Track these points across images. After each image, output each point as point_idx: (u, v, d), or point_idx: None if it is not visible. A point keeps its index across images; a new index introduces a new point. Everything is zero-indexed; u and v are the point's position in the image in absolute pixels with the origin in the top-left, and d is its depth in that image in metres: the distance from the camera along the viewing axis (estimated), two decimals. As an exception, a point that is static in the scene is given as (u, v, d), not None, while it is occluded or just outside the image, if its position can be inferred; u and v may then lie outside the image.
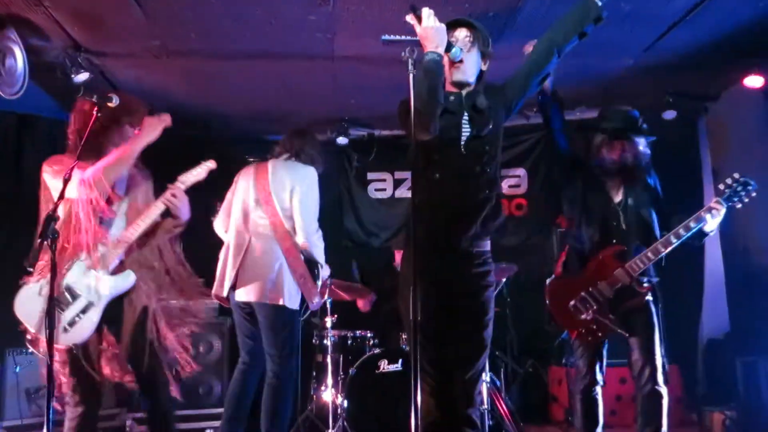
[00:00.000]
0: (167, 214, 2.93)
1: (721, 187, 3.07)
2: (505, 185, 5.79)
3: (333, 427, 4.10)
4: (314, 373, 4.57)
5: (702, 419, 4.47)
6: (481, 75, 2.57)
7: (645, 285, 3.11)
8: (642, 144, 3.20)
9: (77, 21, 3.61)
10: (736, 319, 4.84)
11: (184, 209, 2.94)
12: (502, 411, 4.32)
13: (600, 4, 2.44)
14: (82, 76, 3.94)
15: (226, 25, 3.68)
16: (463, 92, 2.52)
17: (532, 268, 5.25)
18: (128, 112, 2.90)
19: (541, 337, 5.24)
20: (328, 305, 4.44)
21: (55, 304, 2.40)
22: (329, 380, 4.23)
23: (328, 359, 4.28)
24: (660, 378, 3.07)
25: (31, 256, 2.38)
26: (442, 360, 2.40)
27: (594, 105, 5.20)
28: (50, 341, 2.31)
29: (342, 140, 5.52)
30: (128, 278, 2.81)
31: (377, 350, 4.23)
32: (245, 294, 3.39)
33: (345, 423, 4.01)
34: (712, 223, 3.02)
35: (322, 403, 4.31)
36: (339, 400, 4.12)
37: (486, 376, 4.38)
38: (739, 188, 3.03)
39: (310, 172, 3.58)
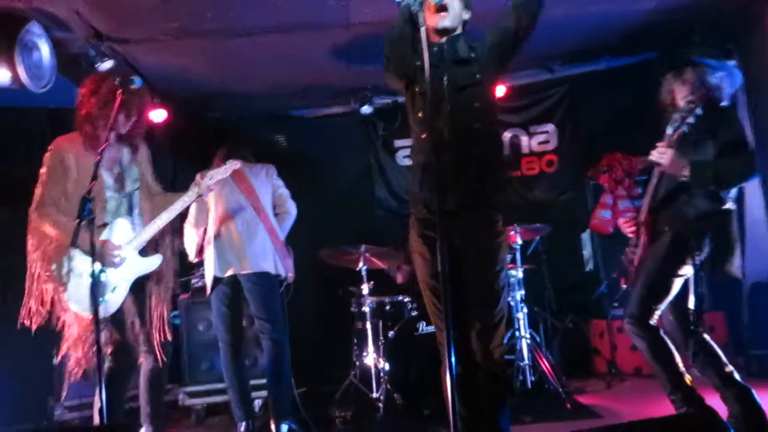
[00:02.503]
0: None
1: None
2: (534, 142, 5.73)
3: (377, 391, 4.19)
4: (355, 340, 4.65)
5: (749, 363, 4.41)
6: (464, 24, 2.52)
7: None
8: (711, 73, 2.97)
9: (97, 10, 3.68)
10: (779, 262, 4.73)
11: None
12: (543, 367, 4.34)
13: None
14: (107, 65, 4.02)
15: (240, 1, 3.70)
16: (444, 40, 2.46)
17: (565, 224, 5.21)
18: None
19: (580, 291, 5.23)
20: (363, 273, 4.50)
21: (98, 281, 2.51)
22: (370, 346, 4.31)
23: (368, 325, 4.35)
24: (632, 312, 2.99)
25: (72, 237, 2.47)
26: (455, 315, 2.38)
27: (619, 54, 5.08)
28: (96, 317, 2.41)
29: (366, 109, 5.51)
30: (156, 261, 3.06)
31: (415, 313, 4.27)
32: (251, 266, 3.70)
33: (388, 386, 4.09)
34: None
35: (365, 368, 4.40)
36: (381, 364, 4.20)
37: (526, 333, 4.40)
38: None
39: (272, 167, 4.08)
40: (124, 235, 2.97)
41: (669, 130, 2.95)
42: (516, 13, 2.41)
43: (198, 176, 3.17)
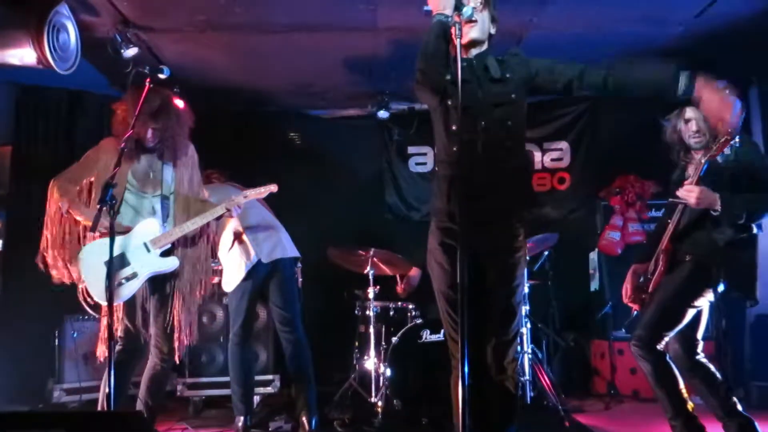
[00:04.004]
0: None
1: None
2: (547, 159, 5.74)
3: (376, 396, 4.19)
4: (357, 344, 4.65)
5: (750, 394, 4.41)
6: (490, 38, 2.52)
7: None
8: None
9: (127, -4, 3.69)
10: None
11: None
12: (543, 383, 4.34)
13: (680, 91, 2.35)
14: (131, 52, 4.03)
15: (270, -2, 3.73)
16: (473, 54, 2.46)
17: (574, 242, 5.21)
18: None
19: (584, 310, 5.23)
20: (370, 277, 4.50)
21: (113, 265, 2.53)
22: (372, 350, 4.31)
23: (371, 330, 4.35)
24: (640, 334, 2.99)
25: (93, 222, 2.50)
26: (471, 329, 2.37)
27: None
28: (110, 300, 2.43)
29: (383, 114, 5.52)
30: (172, 263, 3.15)
31: (419, 321, 4.28)
32: (289, 252, 3.91)
33: (387, 391, 4.09)
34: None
35: (365, 372, 4.40)
36: (382, 369, 4.19)
37: (528, 348, 4.40)
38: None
39: None
40: (150, 234, 3.08)
41: (690, 170, 2.99)
42: (608, 79, 2.41)
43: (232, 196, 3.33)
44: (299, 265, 4.10)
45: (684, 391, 2.96)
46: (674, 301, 2.97)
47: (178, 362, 3.17)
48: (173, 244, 3.15)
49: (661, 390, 2.98)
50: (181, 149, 3.25)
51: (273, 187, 3.44)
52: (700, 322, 3.04)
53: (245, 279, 3.78)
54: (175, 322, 3.10)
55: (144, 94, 2.84)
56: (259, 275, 3.82)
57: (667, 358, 2.99)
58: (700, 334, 3.05)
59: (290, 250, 3.93)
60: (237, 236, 3.84)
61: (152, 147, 3.16)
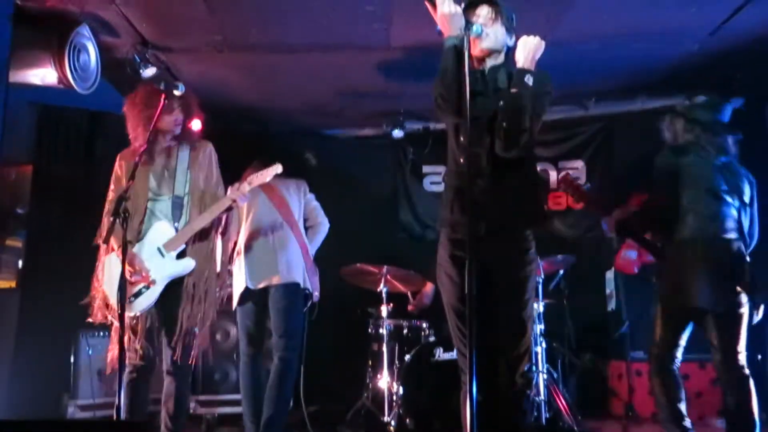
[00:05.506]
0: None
1: None
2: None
3: (389, 415, 4.15)
4: (370, 362, 4.62)
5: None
6: (507, 50, 2.51)
7: None
8: (694, 113, 3.21)
9: (146, 18, 3.77)
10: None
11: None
12: (559, 403, 4.27)
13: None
14: (150, 72, 4.11)
15: (285, 18, 3.79)
16: (488, 66, 2.47)
17: (591, 261, 5.16)
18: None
19: (600, 330, 5.16)
20: (383, 295, 4.49)
21: (126, 278, 2.53)
22: (385, 369, 4.27)
23: (384, 348, 4.32)
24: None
25: (105, 234, 2.51)
26: (481, 343, 2.33)
27: (656, 94, 5.07)
28: (122, 314, 2.44)
29: (397, 133, 5.56)
30: (189, 264, 3.05)
31: (432, 339, 4.25)
32: (283, 278, 3.67)
33: (400, 410, 4.05)
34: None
35: (378, 390, 4.36)
36: (395, 387, 4.16)
37: (543, 368, 4.34)
38: None
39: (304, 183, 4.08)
40: (163, 237, 3.01)
41: None
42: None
43: (236, 183, 3.18)
44: (309, 290, 3.85)
45: (683, 409, 3.05)
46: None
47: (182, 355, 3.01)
48: (186, 243, 3.05)
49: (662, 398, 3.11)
50: (204, 146, 3.21)
51: (277, 168, 3.24)
52: (740, 332, 3.01)
53: (244, 298, 3.71)
54: (185, 323, 3.00)
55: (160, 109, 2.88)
56: (252, 298, 3.71)
57: (676, 372, 3.08)
58: (741, 346, 3.01)
59: (285, 276, 3.68)
60: (237, 254, 3.79)
61: (164, 136, 3.06)
